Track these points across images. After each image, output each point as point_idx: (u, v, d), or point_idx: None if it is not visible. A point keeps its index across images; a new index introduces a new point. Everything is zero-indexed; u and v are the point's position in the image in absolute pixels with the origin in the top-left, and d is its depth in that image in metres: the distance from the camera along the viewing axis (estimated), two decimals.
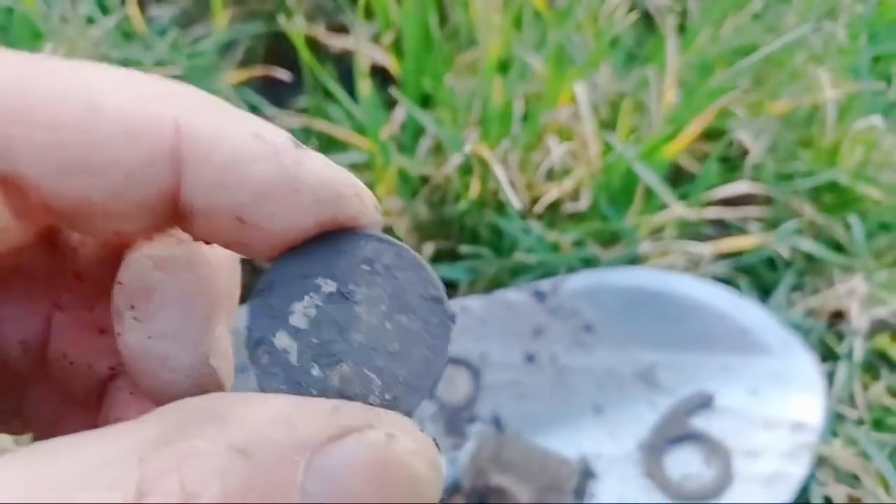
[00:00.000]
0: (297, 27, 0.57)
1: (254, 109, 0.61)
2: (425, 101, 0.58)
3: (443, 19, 0.60)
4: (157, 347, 0.20)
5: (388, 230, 0.56)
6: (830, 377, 0.52)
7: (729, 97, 0.55)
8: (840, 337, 0.54)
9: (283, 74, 0.60)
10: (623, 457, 0.49)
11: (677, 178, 0.59)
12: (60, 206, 0.18)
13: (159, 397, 0.20)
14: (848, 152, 0.58)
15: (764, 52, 0.54)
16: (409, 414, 0.19)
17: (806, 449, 0.47)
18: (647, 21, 0.64)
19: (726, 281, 0.55)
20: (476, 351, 0.51)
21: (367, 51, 0.57)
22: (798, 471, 0.47)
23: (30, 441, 0.26)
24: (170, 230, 0.20)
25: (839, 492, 0.48)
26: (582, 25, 0.58)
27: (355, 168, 0.58)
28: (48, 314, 0.23)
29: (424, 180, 0.57)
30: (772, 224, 0.58)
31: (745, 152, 0.59)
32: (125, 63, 0.57)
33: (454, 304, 0.51)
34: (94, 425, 0.17)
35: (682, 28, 0.61)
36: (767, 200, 0.59)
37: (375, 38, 0.60)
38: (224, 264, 0.22)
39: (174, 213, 0.19)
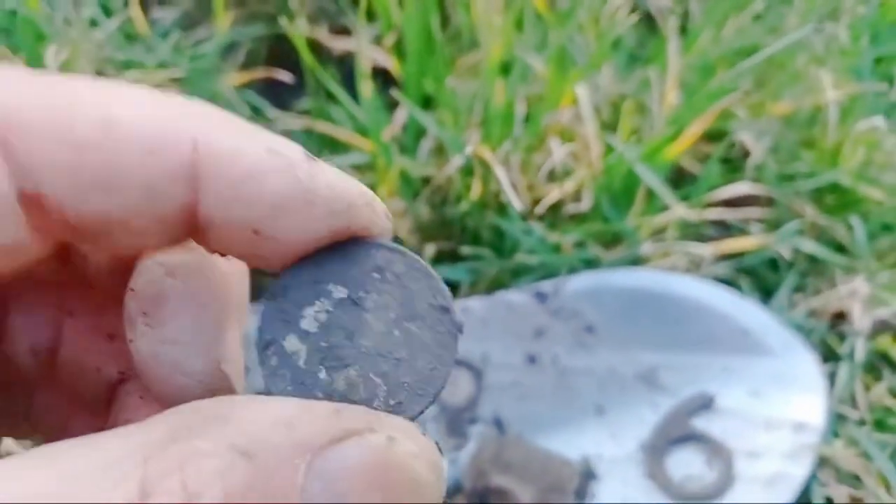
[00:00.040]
0: (298, 29, 0.57)
1: (256, 111, 0.61)
2: (427, 103, 0.59)
3: (444, 21, 0.60)
4: (170, 353, 0.20)
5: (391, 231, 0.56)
6: (832, 378, 0.52)
7: (730, 98, 0.55)
8: (842, 338, 0.54)
9: (285, 76, 0.60)
10: (624, 458, 0.49)
11: (679, 179, 0.59)
12: (81, 222, 0.18)
13: (171, 402, 0.20)
14: (850, 153, 0.58)
15: (765, 54, 0.54)
16: (413, 419, 0.19)
17: (807, 450, 0.47)
18: (649, 22, 0.64)
19: (728, 282, 0.55)
20: (477, 352, 0.51)
21: (368, 52, 0.57)
22: (799, 471, 0.47)
23: (32, 446, 0.26)
24: (185, 243, 0.21)
25: (841, 492, 0.48)
26: (583, 27, 0.59)
27: (357, 169, 0.58)
28: (58, 320, 0.23)
29: (426, 181, 0.57)
30: (773, 225, 0.58)
31: (746, 153, 0.59)
32: (127, 65, 0.57)
33: (455, 305, 0.51)
34: (102, 429, 0.17)
35: (683, 29, 0.61)
36: (769, 201, 0.59)
37: (377, 40, 0.61)
38: (234, 270, 0.22)
39: (191, 228, 0.19)
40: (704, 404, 0.49)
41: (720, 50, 0.58)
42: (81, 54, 0.54)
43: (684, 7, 0.63)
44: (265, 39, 0.65)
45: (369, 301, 0.20)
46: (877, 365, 0.54)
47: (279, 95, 0.62)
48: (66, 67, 0.53)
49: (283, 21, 0.57)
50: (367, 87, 0.54)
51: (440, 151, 0.57)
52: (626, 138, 0.56)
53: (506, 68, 0.56)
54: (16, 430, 0.24)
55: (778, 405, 0.49)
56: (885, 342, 0.53)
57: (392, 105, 0.59)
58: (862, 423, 0.51)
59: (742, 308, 0.51)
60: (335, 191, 0.19)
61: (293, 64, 0.60)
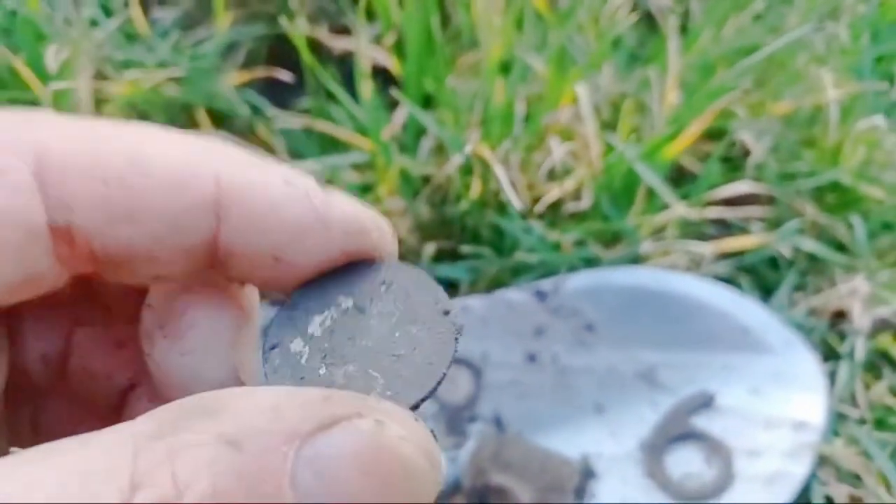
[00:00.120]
0: (298, 29, 0.57)
1: (256, 110, 0.61)
2: (427, 102, 0.59)
3: (444, 20, 0.60)
4: (189, 363, 0.21)
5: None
6: (832, 377, 0.52)
7: (731, 97, 0.54)
8: (842, 336, 0.54)
9: (285, 76, 0.60)
10: (624, 456, 0.49)
11: (679, 178, 0.59)
12: (106, 253, 0.20)
13: None
14: (850, 152, 0.58)
15: (766, 53, 0.54)
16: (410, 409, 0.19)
17: (807, 448, 0.47)
18: (649, 22, 0.64)
19: (728, 280, 0.55)
20: (477, 350, 0.51)
21: (368, 52, 0.57)
22: (799, 470, 0.47)
23: None
24: (206, 273, 0.21)
25: (841, 491, 0.48)
26: (583, 26, 0.59)
27: (357, 169, 0.59)
28: (69, 330, 0.24)
29: (426, 180, 0.57)
30: (774, 224, 0.58)
31: (746, 152, 0.59)
32: (127, 65, 0.57)
33: (455, 304, 0.51)
34: None
35: (683, 29, 0.61)
36: (769, 200, 0.59)
37: (377, 40, 0.61)
38: None
39: (211, 258, 0.20)
40: (704, 403, 0.49)
41: (720, 49, 0.58)
42: (81, 54, 0.54)
43: (684, 6, 0.63)
44: (265, 39, 0.65)
45: (374, 309, 0.21)
46: (877, 364, 0.53)
47: (279, 95, 0.62)
48: (66, 67, 0.53)
49: (283, 21, 0.57)
50: (366, 87, 0.55)
51: (440, 150, 0.57)
52: (626, 137, 0.56)
53: (506, 68, 0.56)
54: (21, 438, 0.24)
55: (778, 404, 0.49)
56: (885, 341, 0.53)
57: (392, 104, 0.59)
58: (862, 421, 0.51)
59: (742, 306, 0.51)
60: (348, 216, 0.20)
61: (293, 63, 0.60)
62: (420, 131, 0.58)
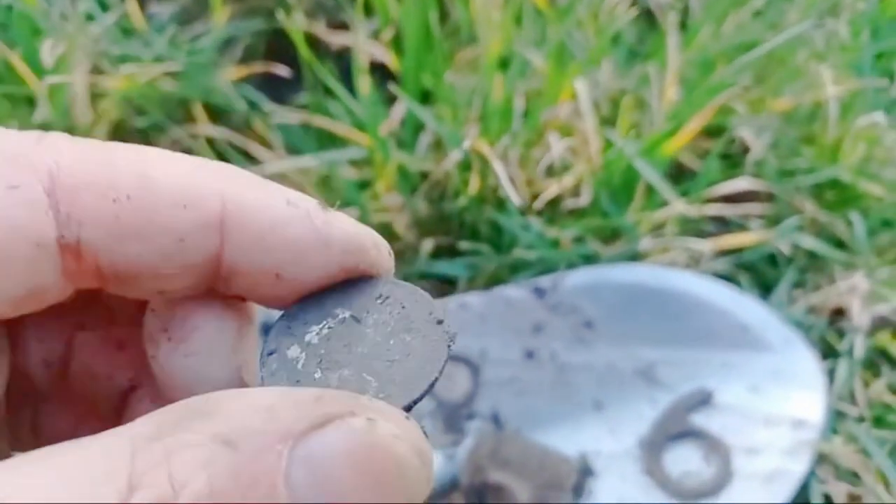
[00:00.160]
0: (296, 24, 0.57)
1: (253, 106, 0.61)
2: (425, 98, 0.58)
3: (443, 16, 0.60)
4: (193, 365, 0.22)
5: (388, 226, 0.56)
6: (831, 374, 0.52)
7: (730, 94, 0.54)
8: (841, 334, 0.54)
9: (282, 71, 0.60)
10: (623, 454, 0.48)
11: (678, 174, 0.59)
12: (114, 269, 0.20)
13: None
14: (850, 149, 0.58)
15: (765, 49, 0.53)
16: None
17: (806, 446, 0.47)
18: (649, 17, 0.64)
19: (727, 278, 0.55)
20: (475, 347, 0.50)
21: (366, 47, 0.57)
22: (798, 468, 0.47)
23: None
24: (209, 291, 0.22)
25: (839, 489, 0.48)
26: (583, 22, 0.58)
27: (355, 164, 0.58)
28: (70, 333, 0.24)
29: (424, 176, 0.57)
30: (773, 221, 0.58)
31: (746, 149, 0.59)
32: (124, 59, 0.57)
33: (453, 300, 0.51)
34: None
35: (683, 25, 0.61)
36: (769, 197, 0.58)
37: (375, 35, 0.60)
38: None
39: (214, 275, 0.21)
40: (703, 400, 0.49)
41: (720, 45, 0.58)
42: (78, 48, 0.54)
43: (684, 2, 0.63)
44: (263, 34, 0.65)
45: (370, 319, 0.22)
46: (876, 361, 0.53)
47: (277, 90, 0.62)
48: (62, 62, 0.53)
49: (280, 16, 0.57)
50: (364, 82, 0.54)
51: (438, 146, 0.57)
52: (626, 133, 0.56)
53: (504, 63, 0.56)
54: (21, 441, 0.25)
55: (777, 401, 0.49)
56: (884, 338, 0.53)
57: (390, 100, 0.58)
58: (861, 419, 0.50)
59: (741, 304, 0.51)
60: (347, 235, 0.21)
61: (291, 59, 0.60)
62: (418, 127, 0.57)
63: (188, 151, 0.58)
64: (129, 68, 0.56)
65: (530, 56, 0.55)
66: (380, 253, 0.22)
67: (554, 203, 0.55)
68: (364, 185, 0.58)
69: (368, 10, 0.59)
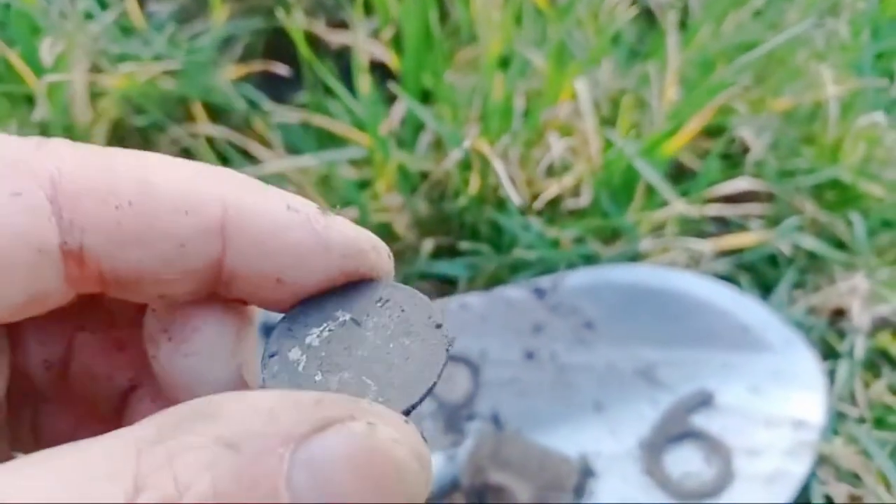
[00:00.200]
0: (296, 23, 0.56)
1: (252, 105, 0.61)
2: (425, 97, 0.58)
3: (443, 15, 0.60)
4: (194, 364, 0.22)
5: (388, 226, 0.56)
6: (831, 375, 0.52)
7: (730, 94, 0.54)
8: (841, 335, 0.54)
9: (282, 70, 0.60)
10: (623, 455, 0.48)
11: (678, 174, 0.59)
12: (116, 275, 0.20)
13: None
14: (850, 149, 0.58)
15: (765, 49, 0.53)
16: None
17: (807, 447, 0.47)
18: (649, 17, 0.64)
19: (727, 278, 0.55)
20: (475, 348, 0.50)
21: (366, 46, 0.56)
22: (799, 469, 0.47)
23: None
24: (210, 294, 0.22)
25: (840, 490, 0.48)
26: (583, 21, 0.58)
27: (355, 164, 0.58)
28: (71, 334, 0.24)
29: (424, 176, 0.57)
30: (773, 221, 0.57)
31: (746, 149, 0.59)
32: (123, 58, 0.56)
33: (454, 300, 0.51)
34: None
35: (683, 24, 0.61)
36: (769, 197, 0.58)
37: (375, 34, 0.60)
38: None
39: (215, 280, 0.21)
40: (704, 401, 0.49)
41: (720, 45, 0.58)
42: (77, 47, 0.53)
43: (684, 2, 0.63)
44: (262, 33, 0.65)
45: (370, 322, 0.22)
46: (876, 362, 0.53)
47: (276, 89, 0.62)
48: (61, 60, 0.53)
49: (280, 14, 0.57)
50: (364, 81, 0.54)
51: (438, 146, 0.57)
52: (626, 133, 0.56)
53: (505, 63, 0.56)
54: (22, 442, 0.25)
55: (777, 402, 0.49)
56: (884, 339, 0.53)
57: (390, 99, 0.58)
58: (861, 420, 0.50)
59: (742, 304, 0.51)
60: (347, 239, 0.22)
61: (290, 58, 0.60)
62: (418, 126, 0.57)
63: (188, 150, 0.58)
64: (129, 67, 0.55)
65: (530, 55, 0.55)
66: (379, 256, 0.23)
67: (554, 203, 0.55)
68: (364, 184, 0.57)
69: (368, 9, 0.59)
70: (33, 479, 0.16)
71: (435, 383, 0.21)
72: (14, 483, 0.16)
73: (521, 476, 0.46)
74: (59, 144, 0.20)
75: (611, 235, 0.56)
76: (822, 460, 0.49)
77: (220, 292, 0.22)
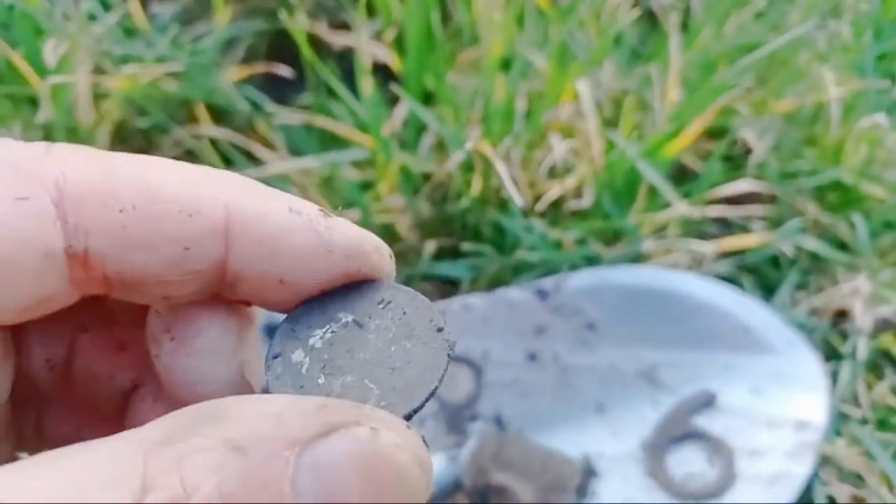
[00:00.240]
0: (298, 24, 0.57)
1: (255, 106, 0.61)
2: (427, 99, 0.58)
3: (445, 17, 0.60)
4: (197, 365, 0.22)
5: (391, 227, 0.56)
6: (834, 376, 0.52)
7: (732, 95, 0.54)
8: (844, 336, 0.54)
9: (285, 71, 0.60)
10: (625, 456, 0.48)
11: (680, 176, 0.59)
12: (121, 277, 0.21)
13: None
14: (852, 151, 0.58)
15: (767, 50, 0.53)
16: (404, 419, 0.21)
17: (809, 448, 0.47)
18: (650, 18, 0.64)
19: (729, 279, 0.55)
20: (478, 349, 0.50)
21: (368, 48, 0.56)
22: (801, 470, 0.47)
23: None
24: (213, 295, 0.23)
25: (843, 491, 0.48)
26: (585, 23, 0.58)
27: (357, 165, 0.58)
28: (73, 336, 0.25)
29: (426, 177, 0.57)
30: (775, 223, 0.57)
31: (748, 151, 0.59)
32: (126, 59, 0.56)
33: (456, 302, 0.51)
34: None
35: (685, 26, 0.61)
36: (771, 199, 0.58)
37: (377, 36, 0.60)
38: None
39: (219, 281, 0.22)
40: (706, 402, 0.49)
41: (722, 46, 0.58)
42: (80, 48, 0.53)
43: (686, 3, 0.63)
44: (265, 34, 0.65)
45: (372, 325, 0.22)
46: (879, 363, 0.53)
47: (279, 90, 0.62)
48: (64, 62, 0.53)
49: (283, 16, 0.57)
50: (367, 83, 0.54)
51: (441, 147, 0.57)
52: (628, 135, 0.56)
53: (506, 64, 0.56)
54: (25, 443, 0.25)
55: (780, 403, 0.49)
56: (887, 340, 0.53)
57: (392, 101, 0.58)
58: (864, 421, 0.50)
59: (744, 306, 0.51)
60: (349, 241, 0.22)
61: (293, 59, 0.60)
62: (421, 128, 0.57)
63: (191, 152, 0.58)
64: (132, 68, 0.55)
65: (532, 57, 0.55)
66: (381, 257, 0.23)
67: (556, 204, 0.55)
68: (366, 186, 0.58)
69: (371, 11, 0.59)
70: (39, 480, 0.16)
71: (436, 388, 0.21)
72: (20, 484, 0.16)
73: (523, 477, 0.46)
74: (64, 149, 0.20)
75: (613, 237, 0.56)
76: (824, 461, 0.49)
77: (224, 293, 0.22)
